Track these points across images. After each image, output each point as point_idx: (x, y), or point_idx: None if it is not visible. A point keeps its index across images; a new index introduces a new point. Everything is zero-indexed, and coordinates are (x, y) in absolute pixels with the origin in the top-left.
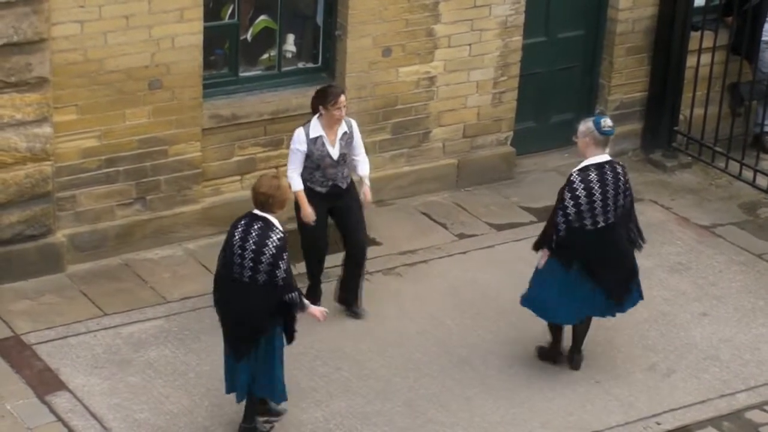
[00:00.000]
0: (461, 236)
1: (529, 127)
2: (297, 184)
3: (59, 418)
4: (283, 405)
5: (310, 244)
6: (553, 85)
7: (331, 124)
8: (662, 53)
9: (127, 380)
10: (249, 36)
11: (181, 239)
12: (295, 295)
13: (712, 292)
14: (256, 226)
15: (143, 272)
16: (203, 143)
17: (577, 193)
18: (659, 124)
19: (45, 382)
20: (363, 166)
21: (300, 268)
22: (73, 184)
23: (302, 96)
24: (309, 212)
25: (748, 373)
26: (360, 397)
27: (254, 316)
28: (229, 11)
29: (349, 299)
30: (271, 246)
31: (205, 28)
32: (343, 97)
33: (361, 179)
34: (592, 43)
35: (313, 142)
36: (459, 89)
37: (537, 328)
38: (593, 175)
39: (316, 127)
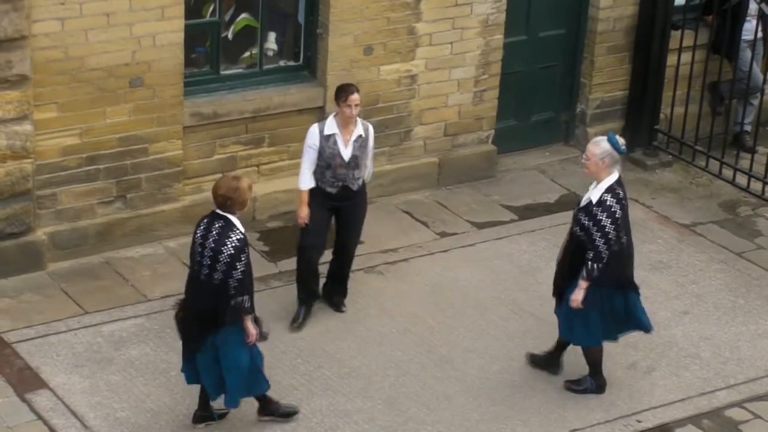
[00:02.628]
0: (442, 234)
1: (510, 125)
2: (304, 183)
3: (39, 417)
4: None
5: (306, 240)
6: (535, 84)
7: (345, 123)
8: (643, 52)
9: (107, 378)
10: (230, 34)
11: (162, 237)
12: (243, 299)
13: (693, 290)
14: (217, 225)
15: (124, 270)
16: (184, 141)
17: (616, 215)
18: (640, 122)
19: (25, 381)
20: (366, 171)
21: (286, 264)
22: (54, 182)
23: (283, 94)
24: (303, 215)
25: (729, 371)
26: (341, 395)
27: (205, 314)
28: (211, 9)
29: (335, 299)
30: (229, 246)
31: (187, 26)
32: (354, 96)
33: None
34: (573, 42)
35: (326, 139)
36: (440, 88)
37: (518, 327)
38: (621, 192)
39: (331, 125)
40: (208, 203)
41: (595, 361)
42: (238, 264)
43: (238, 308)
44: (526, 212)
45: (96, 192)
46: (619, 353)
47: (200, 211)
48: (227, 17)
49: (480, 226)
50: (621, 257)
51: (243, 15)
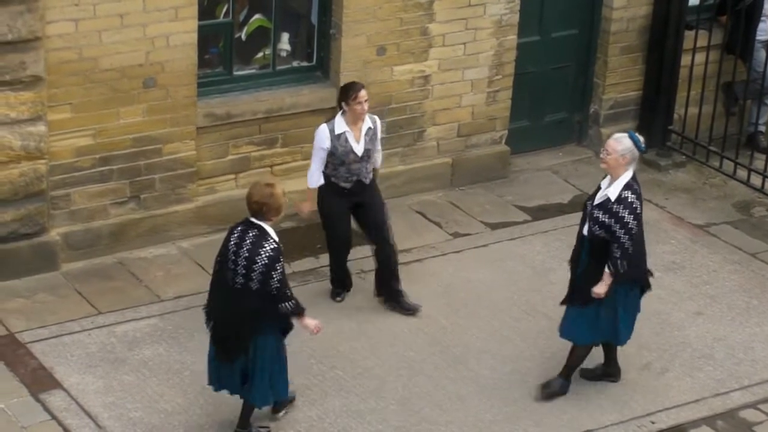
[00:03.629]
0: (455, 235)
1: (523, 126)
2: (314, 181)
3: (53, 417)
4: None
5: (334, 240)
6: (548, 85)
7: (354, 120)
8: (656, 52)
9: (121, 379)
10: (243, 35)
11: (175, 238)
12: (290, 304)
13: (707, 291)
14: (251, 234)
15: (137, 271)
16: (197, 142)
17: (637, 211)
18: (653, 123)
19: (39, 381)
20: (376, 156)
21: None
22: (67, 182)
23: (296, 95)
24: (306, 208)
25: (743, 372)
26: (354, 396)
27: (244, 320)
28: (224, 10)
29: (392, 294)
30: (264, 256)
31: (200, 27)
32: (363, 92)
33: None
34: (586, 43)
35: (337, 138)
36: (453, 88)
37: (531, 328)
38: (638, 188)
39: (340, 124)
40: (222, 204)
41: (576, 363)
42: (273, 273)
43: (286, 313)
44: (540, 213)
45: (109, 192)
46: (633, 354)
47: (213, 212)
48: (240, 18)
49: (493, 226)
50: (640, 249)
51: (256, 16)
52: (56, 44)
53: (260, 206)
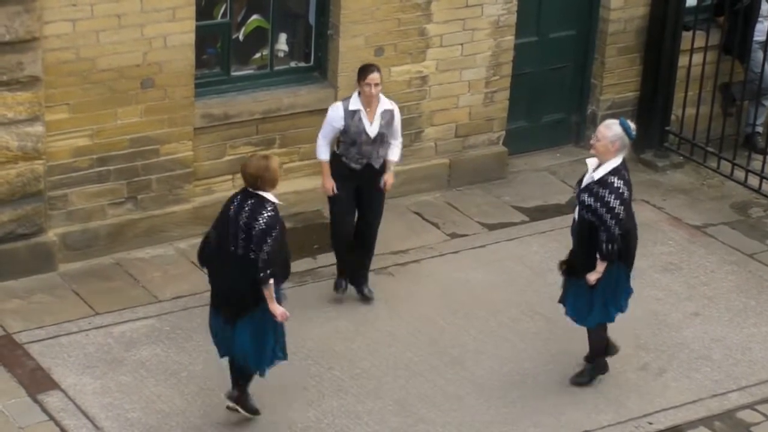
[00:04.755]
0: (453, 236)
1: (521, 126)
2: (323, 153)
3: (51, 417)
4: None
5: (336, 237)
6: (545, 85)
7: (367, 102)
8: (654, 53)
9: (118, 379)
10: (241, 35)
11: (173, 238)
12: (268, 272)
13: (704, 291)
14: (249, 202)
15: (135, 271)
16: (195, 142)
17: (624, 196)
18: (651, 124)
19: (37, 381)
20: (394, 151)
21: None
22: (65, 183)
23: (294, 95)
24: (329, 186)
25: (740, 372)
26: (351, 397)
27: (247, 289)
28: (222, 10)
29: (358, 281)
30: (261, 221)
31: (198, 27)
32: (374, 75)
33: (386, 163)
34: (583, 43)
35: (350, 115)
36: (451, 89)
37: (529, 328)
38: (626, 174)
39: (355, 101)
40: (219, 204)
41: (598, 344)
42: (268, 238)
43: (262, 279)
44: (537, 213)
45: (107, 193)
46: (631, 355)
47: (210, 212)
48: (238, 18)
49: (491, 227)
50: (630, 234)
51: (254, 16)
52: (54, 44)
53: (255, 179)
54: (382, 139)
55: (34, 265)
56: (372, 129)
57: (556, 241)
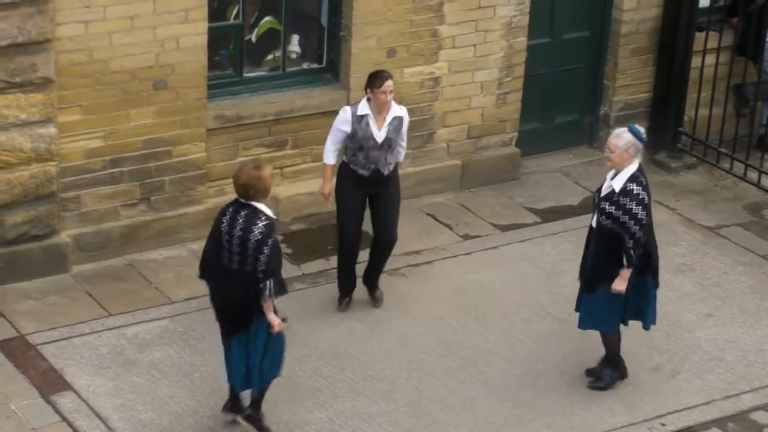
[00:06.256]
0: (466, 237)
1: (533, 127)
2: (329, 158)
3: (64, 418)
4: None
5: (343, 243)
6: (558, 86)
7: (378, 109)
8: (667, 54)
9: (131, 380)
10: (254, 37)
11: (186, 240)
12: (270, 282)
13: (717, 293)
14: (242, 213)
15: (148, 273)
16: (207, 144)
17: (645, 202)
18: (664, 125)
19: (50, 383)
20: (399, 150)
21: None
22: (78, 184)
23: (306, 97)
24: (327, 190)
25: (753, 374)
26: (364, 398)
27: (244, 303)
28: (234, 12)
29: (370, 284)
30: (256, 232)
31: (210, 29)
32: (389, 82)
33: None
34: (596, 44)
35: (358, 120)
36: (463, 90)
37: (542, 330)
38: (644, 179)
39: (364, 107)
40: None
41: (612, 349)
42: (264, 248)
43: (263, 289)
44: (550, 215)
45: (120, 194)
46: (644, 356)
47: None
48: (251, 20)
49: (503, 228)
50: (650, 239)
51: (266, 18)
52: (66, 46)
53: (247, 189)
54: (389, 145)
55: (47, 266)
56: (380, 134)
57: (569, 242)
